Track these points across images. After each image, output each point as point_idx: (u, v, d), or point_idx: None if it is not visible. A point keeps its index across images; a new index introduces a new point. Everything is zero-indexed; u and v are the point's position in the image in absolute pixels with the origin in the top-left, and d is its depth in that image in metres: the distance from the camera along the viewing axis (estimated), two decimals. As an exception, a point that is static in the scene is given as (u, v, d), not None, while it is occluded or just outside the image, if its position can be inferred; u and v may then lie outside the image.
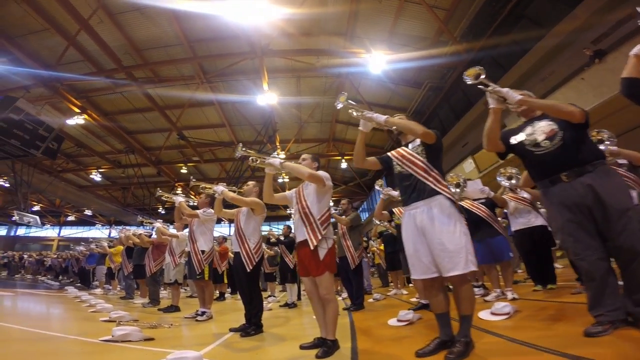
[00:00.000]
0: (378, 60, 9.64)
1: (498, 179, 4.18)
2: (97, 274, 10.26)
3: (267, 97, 11.48)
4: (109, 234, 26.54)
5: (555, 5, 7.36)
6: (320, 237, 2.48)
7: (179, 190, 20.45)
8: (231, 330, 3.49)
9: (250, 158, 2.85)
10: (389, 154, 2.46)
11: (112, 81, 10.77)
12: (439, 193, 2.11)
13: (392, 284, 8.69)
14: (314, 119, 15.35)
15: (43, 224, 24.42)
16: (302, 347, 2.53)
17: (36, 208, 22.58)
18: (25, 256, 19.51)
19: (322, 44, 10.67)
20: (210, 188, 3.82)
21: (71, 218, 28.05)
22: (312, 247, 2.45)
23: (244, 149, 2.92)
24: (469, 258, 1.96)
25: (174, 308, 5.33)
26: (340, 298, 6.95)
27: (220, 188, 3.67)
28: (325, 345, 2.37)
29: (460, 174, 4.02)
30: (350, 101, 2.40)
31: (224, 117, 14.75)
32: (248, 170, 16.58)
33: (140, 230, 7.30)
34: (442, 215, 2.05)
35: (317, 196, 2.64)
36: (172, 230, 5.95)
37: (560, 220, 2.04)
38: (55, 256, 17.90)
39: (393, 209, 4.60)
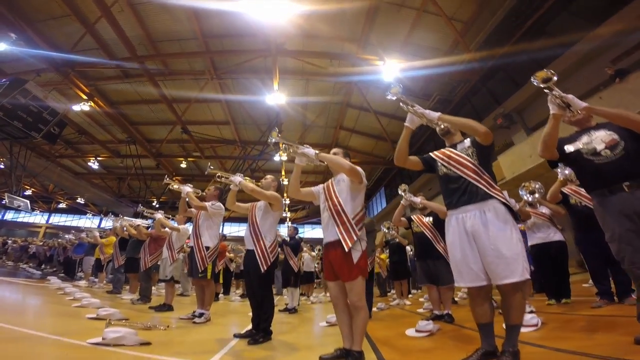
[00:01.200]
0: (392, 68, 9.68)
1: (520, 192, 4.23)
2: (84, 265, 9.69)
3: (276, 97, 11.45)
4: (99, 224, 26.08)
5: (577, 22, 7.46)
6: (355, 239, 2.26)
7: (176, 186, 20.26)
8: (236, 336, 3.22)
9: (283, 145, 2.74)
10: (432, 154, 2.41)
11: (120, 63, 10.62)
12: (492, 197, 2.04)
13: (393, 293, 8.67)
14: (318, 124, 15.41)
15: (32, 210, 23.94)
16: (322, 359, 2.28)
17: (28, 192, 22.13)
18: (10, 242, 19.03)
19: (336, 47, 10.76)
20: (227, 177, 3.59)
21: (62, 205, 27.56)
22: (346, 249, 2.23)
23: (279, 134, 2.70)
24: (524, 265, 1.90)
25: (166, 307, 4.97)
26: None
27: (238, 178, 3.48)
28: (352, 357, 2.20)
29: (536, 181, 4.02)
30: (402, 95, 2.29)
31: (229, 115, 14.74)
32: (248, 171, 16.53)
33: (138, 221, 6.84)
34: (497, 220, 1.98)
35: (351, 193, 2.43)
36: (173, 223, 5.71)
37: (619, 230, 2.02)
38: (41, 243, 17.51)
39: (412, 216, 4.53)
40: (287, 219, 24.45)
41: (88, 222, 27.22)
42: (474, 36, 9.88)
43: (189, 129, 14.91)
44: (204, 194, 4.57)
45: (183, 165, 18.17)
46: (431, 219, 4.26)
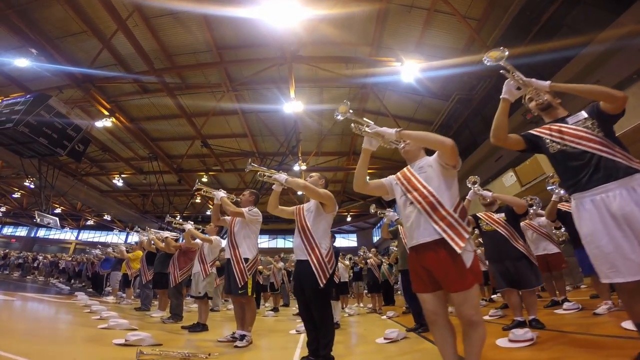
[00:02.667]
0: (410, 69, 9.46)
1: (548, 187, 3.90)
2: (111, 280, 9.57)
3: (293, 105, 11.41)
4: (125, 239, 26.76)
5: (597, 13, 7.08)
6: (467, 237, 1.77)
7: (198, 200, 20.56)
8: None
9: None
10: (534, 131, 2.14)
11: (138, 77, 10.87)
12: (638, 171, 1.73)
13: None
14: (334, 132, 15.26)
15: (62, 227, 24.86)
16: None
17: (57, 211, 23.02)
18: (40, 257, 19.76)
19: (349, 52, 10.68)
20: (270, 176, 3.11)
21: (90, 222, 28.55)
22: (458, 250, 1.72)
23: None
24: None
25: (200, 327, 4.54)
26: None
27: (284, 176, 3.04)
28: None
29: None
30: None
31: (246, 127, 14.83)
32: (267, 183, 16.49)
33: (166, 234, 6.31)
34: None
35: (446, 181, 1.91)
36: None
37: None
38: (70, 259, 18.07)
39: (478, 214, 4.08)
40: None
41: (115, 237, 28.02)
42: (489, 33, 9.54)
43: (208, 142, 15.09)
44: (239, 199, 4.17)
45: (204, 179, 18.41)
46: (503, 215, 3.83)
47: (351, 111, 2.11)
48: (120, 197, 22.14)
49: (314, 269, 2.66)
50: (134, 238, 19.42)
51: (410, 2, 9.02)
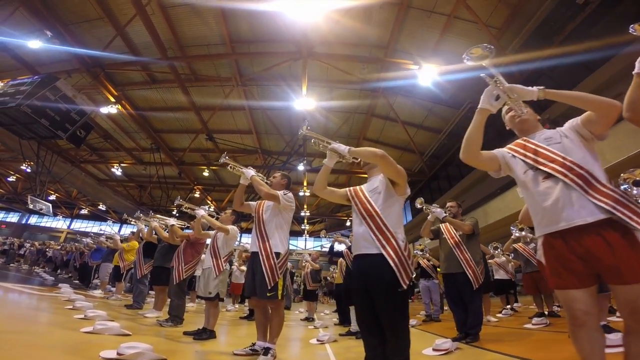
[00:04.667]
0: (428, 73, 9.38)
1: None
2: (101, 272, 8.77)
3: (304, 102, 11.24)
4: (119, 230, 26.31)
5: (625, 24, 7.01)
6: None
7: (197, 194, 20.28)
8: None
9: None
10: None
11: (150, 60, 10.63)
12: None
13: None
14: (341, 134, 15.12)
15: (55, 215, 24.40)
16: None
17: (52, 197, 22.58)
18: (27, 245, 19.21)
19: (364, 53, 10.57)
20: (325, 141, 2.42)
21: (84, 211, 28.06)
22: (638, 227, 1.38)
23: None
24: None
25: (207, 333, 3.80)
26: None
27: (342, 147, 2.30)
28: None
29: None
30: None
31: (252, 123, 14.65)
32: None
33: (172, 221, 5.25)
34: None
35: (591, 153, 1.61)
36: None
37: None
38: (59, 247, 17.57)
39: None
40: (306, 231, 23.97)
41: (108, 228, 27.55)
42: (508, 42, 9.51)
43: (213, 136, 14.87)
44: (269, 181, 3.51)
45: (206, 173, 18.13)
46: None
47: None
48: (117, 187, 21.79)
49: (393, 265, 2.02)
50: (126, 231, 19.00)
51: (431, 7, 8.97)
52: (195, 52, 11.06)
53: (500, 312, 6.53)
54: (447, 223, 4.13)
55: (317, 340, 4.16)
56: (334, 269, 9.01)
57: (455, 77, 9.50)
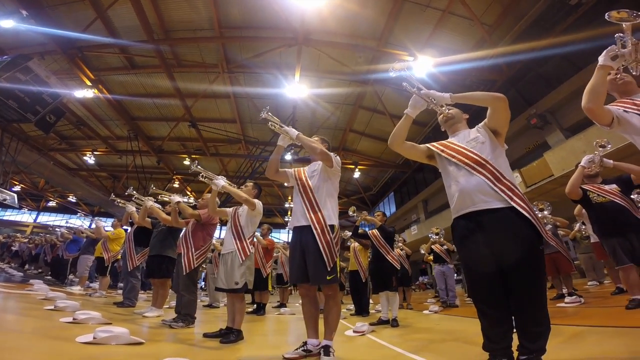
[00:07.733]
0: (423, 64, 9.44)
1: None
2: (79, 265, 7.62)
3: (297, 89, 10.97)
4: (90, 224, 25.03)
5: (618, 25, 7.27)
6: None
7: (177, 184, 19.58)
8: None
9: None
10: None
11: (131, 44, 10.00)
12: None
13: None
14: (328, 125, 14.99)
15: (20, 207, 22.87)
16: None
17: (17, 188, 21.07)
18: (-10, 238, 17.81)
19: (359, 42, 10.42)
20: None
21: (52, 204, 26.45)
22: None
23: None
24: None
25: (235, 334, 3.04)
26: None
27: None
28: None
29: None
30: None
31: (236, 112, 14.21)
32: (249, 171, 16.05)
33: (177, 197, 4.09)
34: None
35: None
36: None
37: None
38: (26, 240, 16.37)
39: (585, 187, 3.66)
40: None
41: (78, 222, 26.11)
42: (499, 39, 9.68)
43: (197, 124, 14.31)
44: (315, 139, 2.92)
45: (186, 162, 17.47)
46: (615, 185, 3.51)
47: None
48: (90, 178, 20.64)
49: (530, 217, 1.68)
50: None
51: (427, 1, 8.97)
52: (181, 36, 10.51)
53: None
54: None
55: (355, 332, 3.66)
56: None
57: (445, 70, 9.60)
